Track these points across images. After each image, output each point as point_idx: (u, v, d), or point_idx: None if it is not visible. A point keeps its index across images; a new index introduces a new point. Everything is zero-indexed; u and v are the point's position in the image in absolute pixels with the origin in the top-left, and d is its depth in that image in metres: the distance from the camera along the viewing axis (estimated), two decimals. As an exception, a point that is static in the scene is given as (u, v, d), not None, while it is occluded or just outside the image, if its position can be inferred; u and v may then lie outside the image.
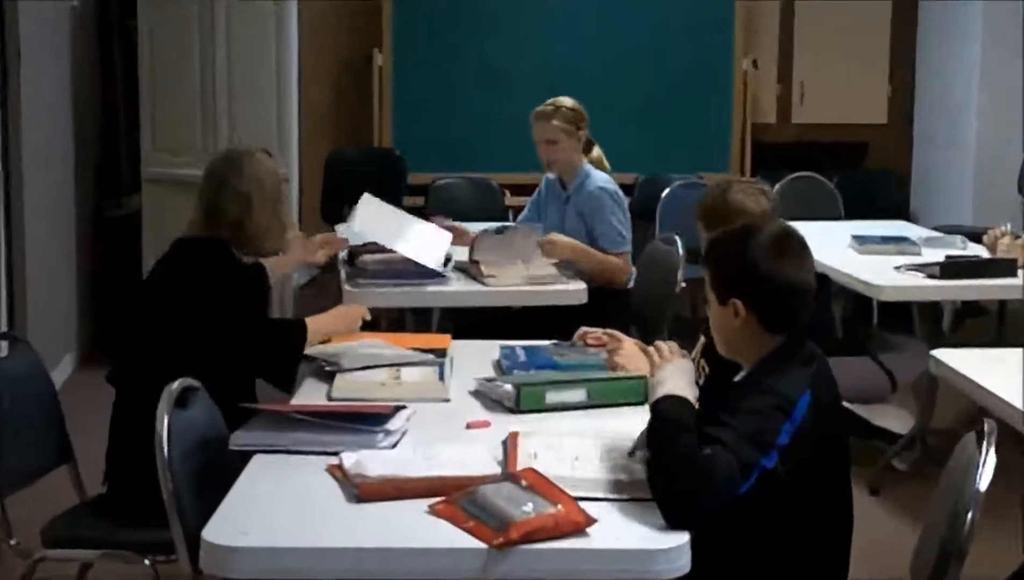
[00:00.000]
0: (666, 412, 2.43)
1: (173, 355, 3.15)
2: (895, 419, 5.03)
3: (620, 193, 5.00)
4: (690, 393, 2.50)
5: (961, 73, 8.16)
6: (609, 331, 3.45)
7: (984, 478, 2.38)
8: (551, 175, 5.19)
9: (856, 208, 7.19)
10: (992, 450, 2.42)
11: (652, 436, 2.42)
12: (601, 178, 4.99)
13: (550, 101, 5.04)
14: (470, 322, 4.88)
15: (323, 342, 3.47)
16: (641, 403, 3.01)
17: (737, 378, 2.64)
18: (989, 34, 7.91)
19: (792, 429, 2.40)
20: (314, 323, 3.47)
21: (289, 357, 3.32)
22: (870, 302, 6.16)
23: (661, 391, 2.48)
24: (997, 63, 7.86)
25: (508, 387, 3.03)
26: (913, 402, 5.04)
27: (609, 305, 4.80)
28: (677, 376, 2.53)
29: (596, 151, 5.11)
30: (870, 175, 8.32)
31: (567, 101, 5.02)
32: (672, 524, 2.26)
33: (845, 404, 2.69)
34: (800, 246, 2.61)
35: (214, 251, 3.35)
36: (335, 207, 7.32)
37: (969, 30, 8.04)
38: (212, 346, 3.17)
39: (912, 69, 8.67)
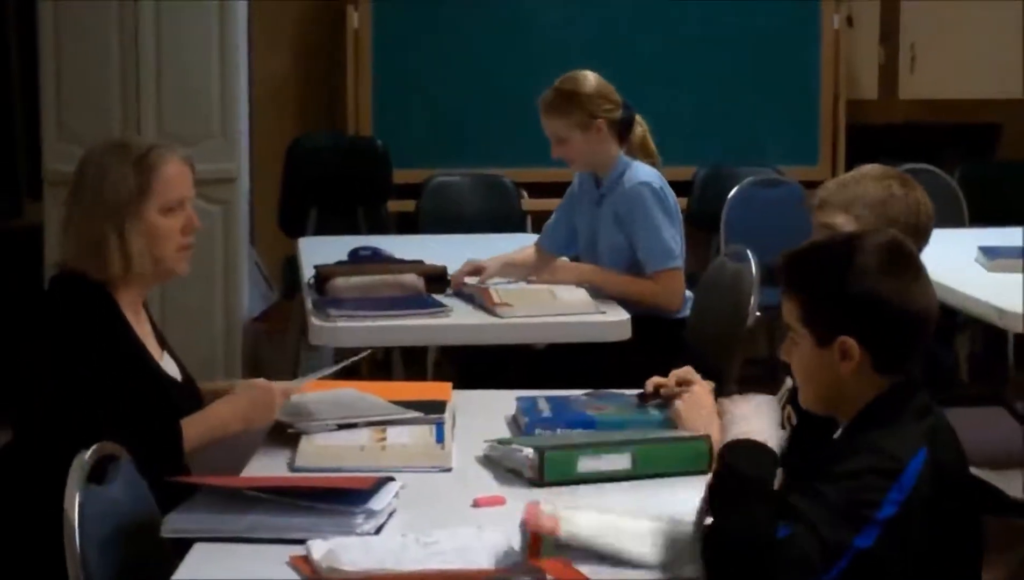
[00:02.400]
0: (738, 464, 2.44)
1: (70, 407, 3.16)
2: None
3: (668, 191, 4.99)
4: (773, 438, 2.50)
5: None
6: (683, 372, 3.45)
7: None
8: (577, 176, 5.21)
9: (985, 210, 7.20)
10: None
11: (715, 495, 2.43)
12: (644, 172, 4.98)
13: (558, 82, 5.01)
14: (478, 366, 4.90)
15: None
16: (705, 472, 3.03)
17: (836, 435, 2.65)
18: None
19: (901, 499, 2.41)
20: (202, 421, 3.35)
21: (161, 469, 3.12)
22: (1004, 335, 6.15)
23: (734, 432, 2.49)
24: None
25: (528, 452, 3.03)
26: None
27: (660, 341, 4.81)
28: (758, 415, 2.55)
29: (639, 130, 5.07)
30: (1003, 167, 8.32)
31: (580, 81, 4.98)
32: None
33: (973, 471, 2.70)
34: (917, 260, 2.64)
35: (86, 302, 3.31)
36: (297, 214, 7.37)
37: None
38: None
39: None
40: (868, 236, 2.66)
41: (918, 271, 2.62)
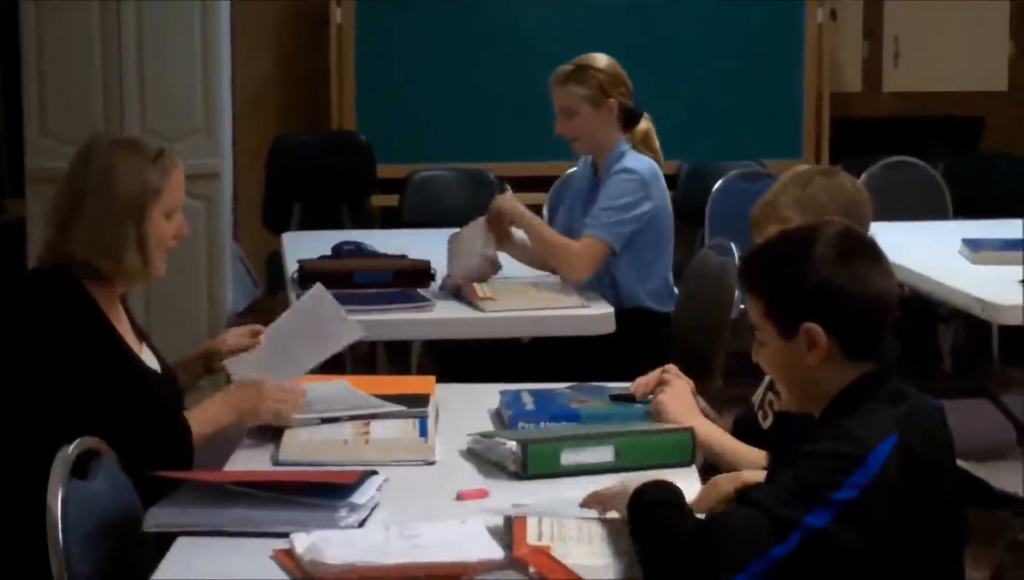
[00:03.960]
0: (645, 499, 2.48)
1: (66, 407, 3.16)
2: (1022, 480, 5.03)
3: (654, 188, 4.95)
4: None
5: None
6: (667, 370, 3.47)
7: None
8: (577, 165, 5.21)
9: (969, 202, 7.20)
10: None
11: (636, 534, 2.47)
12: (638, 161, 4.96)
13: (576, 59, 5.05)
14: (462, 359, 4.90)
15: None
16: (687, 464, 3.04)
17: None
18: None
19: (863, 483, 2.39)
20: (200, 415, 3.35)
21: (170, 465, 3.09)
22: (988, 327, 6.16)
23: (633, 487, 2.53)
24: None
25: (511, 445, 3.03)
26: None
27: (644, 334, 4.81)
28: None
29: (644, 124, 5.08)
30: (986, 159, 8.32)
31: (598, 59, 5.02)
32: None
33: (958, 463, 2.69)
34: (874, 245, 2.65)
35: (66, 298, 3.29)
36: (281, 210, 7.36)
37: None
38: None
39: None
40: (822, 226, 2.67)
41: (875, 256, 2.62)
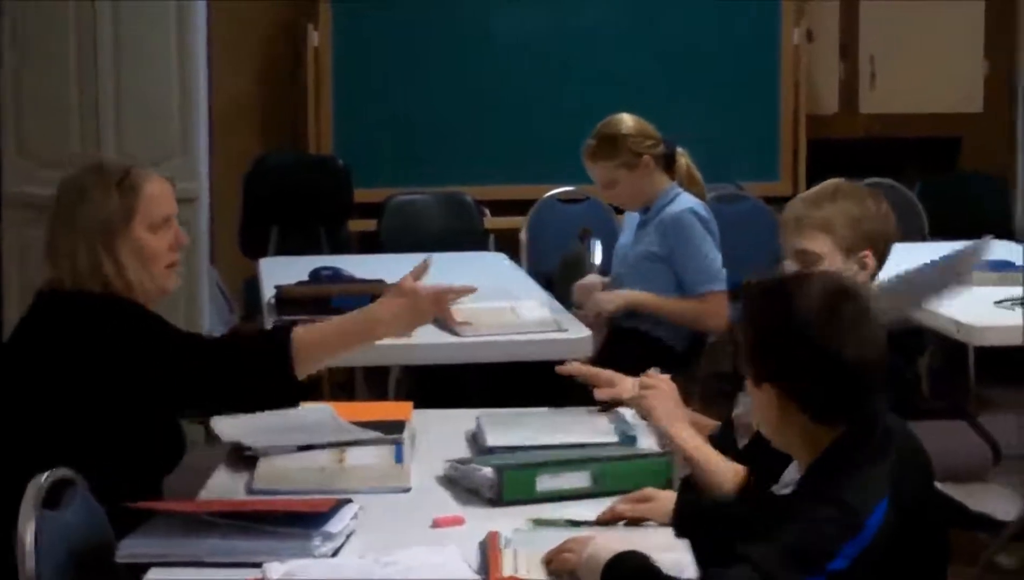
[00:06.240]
0: (621, 572, 2.48)
1: (42, 435, 3.15)
2: (999, 501, 5.02)
3: (713, 220, 5.10)
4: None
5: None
6: (649, 374, 3.47)
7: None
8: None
9: (945, 223, 7.22)
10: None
11: None
12: (691, 200, 5.09)
13: (598, 129, 5.09)
14: (440, 384, 4.89)
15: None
16: (664, 488, 3.03)
17: (783, 487, 2.67)
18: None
19: (856, 552, 2.41)
20: (346, 321, 3.29)
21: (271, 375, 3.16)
22: (965, 349, 6.16)
23: (603, 558, 2.50)
24: None
25: (487, 471, 3.03)
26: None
27: (623, 357, 4.82)
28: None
29: (683, 161, 5.19)
30: (962, 180, 8.35)
31: (620, 124, 5.11)
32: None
33: (936, 485, 2.70)
34: (862, 307, 2.58)
35: (97, 305, 3.31)
36: (258, 234, 7.34)
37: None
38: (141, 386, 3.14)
39: (1015, 39, 8.71)
40: (810, 280, 2.64)
41: (860, 317, 2.57)
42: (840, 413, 2.56)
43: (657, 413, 3.31)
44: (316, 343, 3.21)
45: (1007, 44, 8.69)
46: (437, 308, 3.31)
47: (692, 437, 3.25)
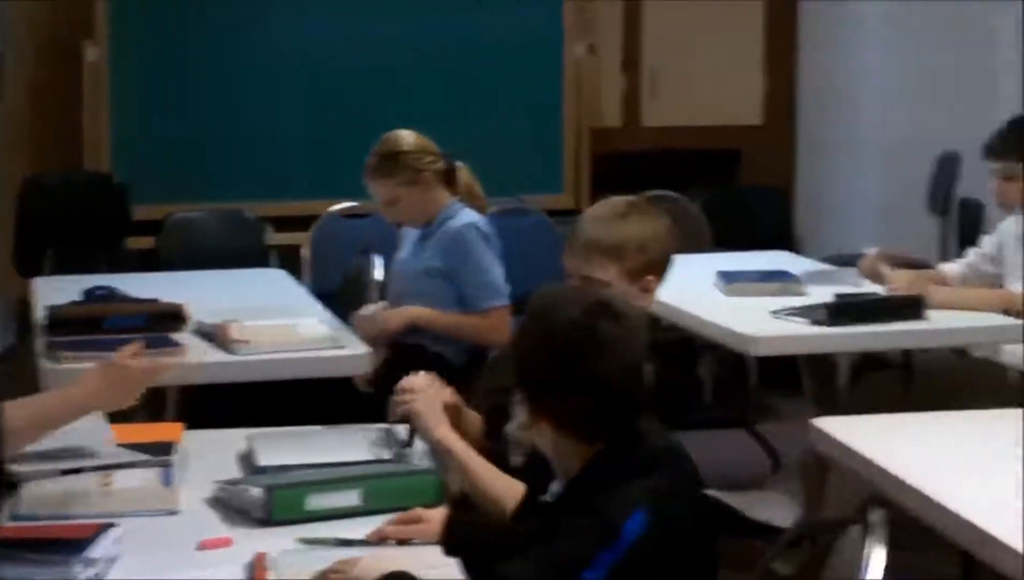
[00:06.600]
0: None
1: None
2: (777, 509, 5.10)
3: (493, 235, 5.09)
4: None
5: (856, 58, 8.39)
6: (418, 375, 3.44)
7: (870, 582, 2.43)
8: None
9: (728, 235, 7.33)
10: (880, 546, 2.47)
11: None
12: (471, 215, 5.08)
13: (378, 145, 5.08)
14: (218, 402, 4.83)
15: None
16: (434, 505, 3.02)
17: (549, 495, 2.68)
18: (892, 15, 8.17)
19: (612, 561, 2.43)
20: (40, 403, 3.26)
21: None
22: (745, 358, 6.25)
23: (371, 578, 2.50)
24: (903, 47, 8.12)
25: (255, 491, 3.00)
26: (800, 486, 5.12)
27: (404, 374, 4.83)
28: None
29: (464, 175, 5.18)
30: (744, 192, 8.51)
31: (400, 141, 5.09)
32: None
33: (714, 493, 2.73)
34: (621, 326, 2.61)
35: None
36: (32, 254, 7.21)
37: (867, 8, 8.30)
38: None
39: (794, 54, 8.90)
40: (575, 299, 2.67)
41: (616, 337, 2.59)
42: (596, 431, 2.60)
43: (425, 420, 3.29)
44: (22, 429, 3.13)
45: (786, 59, 8.89)
46: (148, 378, 3.27)
47: (466, 448, 3.24)
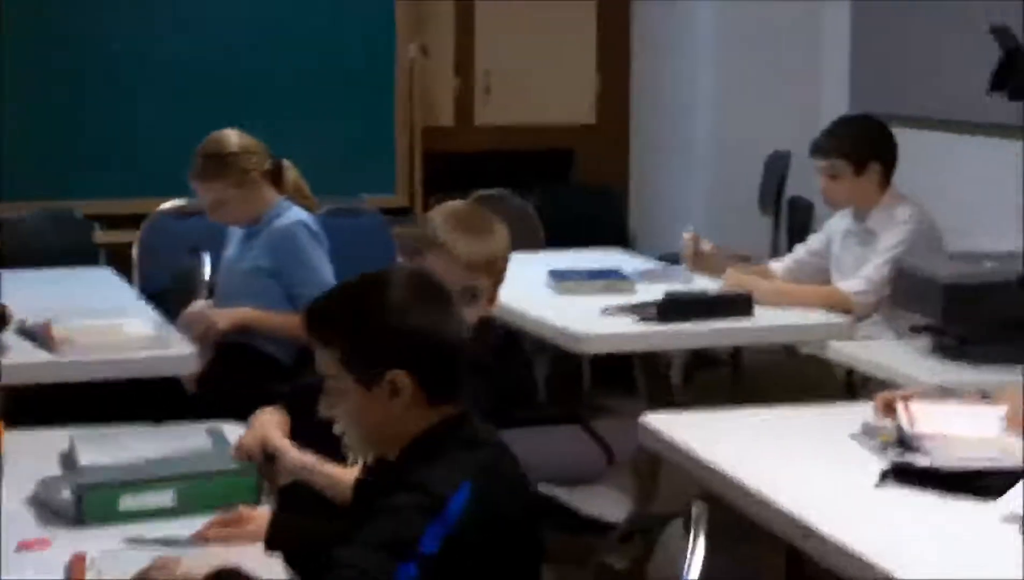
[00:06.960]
0: None
1: None
2: (610, 504, 5.13)
3: (321, 232, 5.08)
4: None
5: (688, 58, 8.48)
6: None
7: (692, 575, 2.45)
8: None
9: (561, 233, 7.36)
10: (701, 539, 2.49)
11: None
12: (299, 213, 5.06)
13: (203, 147, 5.04)
14: (42, 403, 4.75)
15: None
16: (255, 504, 3.00)
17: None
18: (723, 16, 8.27)
19: (443, 533, 2.44)
20: None
21: None
22: (578, 356, 6.28)
23: (199, 575, 2.47)
24: (734, 48, 8.22)
25: (66, 493, 2.97)
26: (633, 481, 5.16)
27: (238, 375, 4.80)
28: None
29: (291, 174, 5.16)
30: (576, 191, 8.55)
31: (225, 142, 5.04)
32: None
33: (546, 488, 2.74)
34: (443, 289, 2.70)
35: None
36: None
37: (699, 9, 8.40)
38: None
39: (627, 54, 8.97)
40: (393, 271, 2.73)
41: (447, 301, 2.67)
42: (452, 387, 2.63)
43: (271, 440, 3.25)
44: None
45: (619, 58, 8.95)
46: None
47: (304, 462, 3.22)
